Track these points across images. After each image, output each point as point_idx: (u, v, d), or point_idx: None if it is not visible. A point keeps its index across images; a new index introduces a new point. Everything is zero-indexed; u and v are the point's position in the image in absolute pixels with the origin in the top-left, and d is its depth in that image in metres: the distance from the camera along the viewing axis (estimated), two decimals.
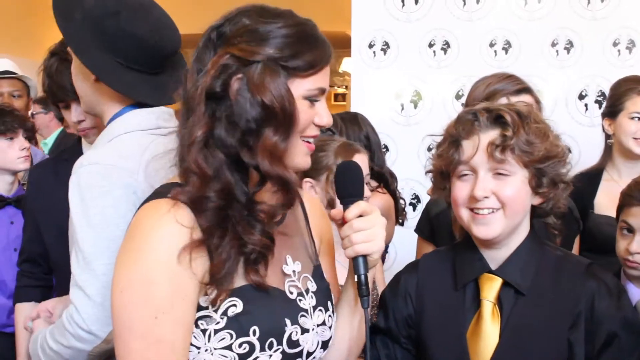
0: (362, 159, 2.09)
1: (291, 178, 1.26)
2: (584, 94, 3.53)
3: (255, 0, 1.31)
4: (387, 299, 1.64)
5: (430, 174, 1.62)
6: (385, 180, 2.73)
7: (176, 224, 1.18)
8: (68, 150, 2.43)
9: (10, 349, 2.45)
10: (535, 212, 1.55)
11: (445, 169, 1.54)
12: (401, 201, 2.83)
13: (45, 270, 2.33)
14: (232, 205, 1.23)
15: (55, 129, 4.76)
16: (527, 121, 1.47)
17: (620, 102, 2.62)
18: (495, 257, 1.53)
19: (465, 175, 1.50)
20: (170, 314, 1.17)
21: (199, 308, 1.21)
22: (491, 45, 3.59)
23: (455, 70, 3.60)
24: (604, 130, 2.70)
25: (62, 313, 1.64)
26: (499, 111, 1.48)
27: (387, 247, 2.82)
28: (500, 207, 1.47)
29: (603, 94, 3.38)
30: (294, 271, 1.34)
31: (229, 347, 1.21)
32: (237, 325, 1.21)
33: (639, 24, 3.46)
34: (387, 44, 3.68)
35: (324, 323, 1.36)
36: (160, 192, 1.26)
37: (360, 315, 1.45)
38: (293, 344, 1.28)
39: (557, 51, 3.54)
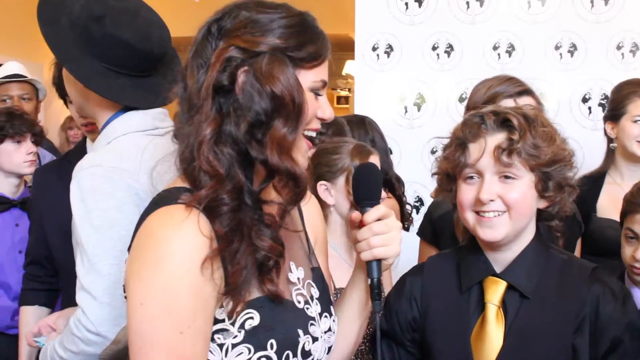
0: (376, 161, 2.08)
1: (301, 172, 1.23)
2: (587, 97, 3.53)
3: None
4: (391, 302, 1.64)
5: (435, 177, 1.62)
6: (391, 185, 2.73)
7: (197, 233, 1.12)
8: (73, 152, 2.44)
9: (13, 350, 2.45)
10: (541, 216, 1.55)
11: (451, 171, 1.54)
12: (407, 207, 2.82)
13: (51, 272, 2.33)
14: (242, 207, 1.19)
15: None
16: (534, 125, 1.47)
17: (622, 105, 2.61)
18: (500, 260, 1.53)
19: (471, 178, 1.50)
20: (193, 328, 1.12)
21: (216, 321, 1.17)
22: (495, 48, 3.59)
23: (459, 73, 3.60)
24: (606, 134, 2.69)
25: (65, 325, 1.64)
26: (506, 114, 1.48)
27: None
28: (505, 210, 1.46)
29: (606, 97, 3.36)
30: (298, 278, 1.32)
31: None
32: (255, 339, 1.17)
33: None
34: (390, 47, 3.69)
35: (330, 329, 1.34)
36: (167, 197, 1.20)
37: (363, 319, 1.44)
38: (306, 354, 1.25)
39: (560, 54, 3.54)
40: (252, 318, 1.18)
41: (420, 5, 3.65)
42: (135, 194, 1.58)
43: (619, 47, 3.49)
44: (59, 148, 5.34)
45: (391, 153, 3.62)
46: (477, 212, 1.49)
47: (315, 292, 1.34)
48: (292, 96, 1.19)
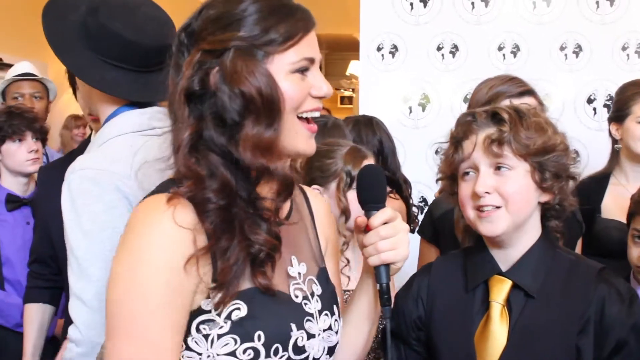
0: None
1: (275, 168, 1.21)
2: (592, 98, 3.53)
3: None
4: (399, 301, 1.64)
5: (440, 182, 1.62)
6: (399, 186, 2.72)
7: (173, 225, 1.12)
8: (77, 150, 2.45)
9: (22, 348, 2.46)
10: (545, 214, 1.55)
11: (451, 172, 1.55)
12: (414, 209, 2.81)
13: (55, 271, 2.33)
14: (236, 202, 1.18)
15: None
16: (524, 117, 1.48)
17: (627, 106, 2.61)
18: (505, 259, 1.53)
19: (468, 173, 1.51)
20: (163, 316, 1.12)
21: (201, 312, 1.16)
22: (499, 48, 3.59)
23: (464, 73, 3.59)
24: (610, 135, 2.69)
25: None
26: (495, 109, 1.51)
27: None
28: (502, 204, 1.47)
29: (611, 98, 3.36)
30: (299, 273, 1.30)
31: (232, 353, 1.15)
32: (242, 330, 1.16)
33: None
34: (395, 47, 3.69)
35: (330, 328, 1.30)
36: (157, 189, 1.22)
37: (371, 324, 1.43)
38: (299, 350, 1.22)
39: (565, 55, 3.53)
40: (239, 309, 1.16)
41: (425, 6, 3.65)
42: (125, 197, 1.56)
43: (624, 48, 3.48)
44: (62, 147, 5.36)
45: None
46: (477, 209, 1.49)
47: (317, 289, 1.32)
48: (260, 91, 1.17)
